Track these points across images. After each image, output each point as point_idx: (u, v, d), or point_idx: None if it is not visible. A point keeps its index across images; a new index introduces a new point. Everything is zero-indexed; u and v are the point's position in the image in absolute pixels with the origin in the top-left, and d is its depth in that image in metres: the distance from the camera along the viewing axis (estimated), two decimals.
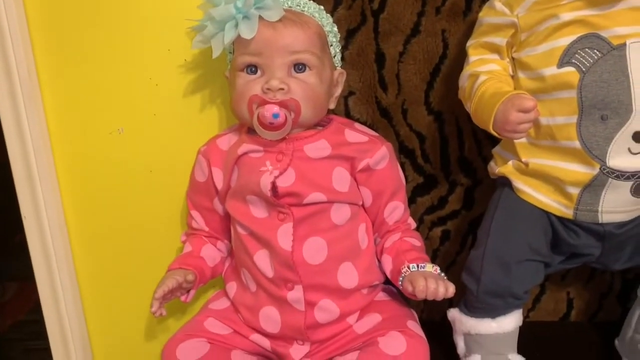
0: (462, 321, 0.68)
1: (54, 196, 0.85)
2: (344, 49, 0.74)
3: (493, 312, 0.66)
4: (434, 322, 0.78)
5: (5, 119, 0.83)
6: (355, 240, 0.70)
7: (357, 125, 0.73)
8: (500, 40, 0.66)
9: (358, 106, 0.78)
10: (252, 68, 0.65)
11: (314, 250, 0.67)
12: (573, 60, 0.60)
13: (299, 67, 0.65)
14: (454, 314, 0.69)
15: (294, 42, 0.64)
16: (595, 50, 0.59)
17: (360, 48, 0.76)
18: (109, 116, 0.83)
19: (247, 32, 0.63)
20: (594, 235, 0.65)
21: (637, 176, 0.61)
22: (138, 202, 0.84)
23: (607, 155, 0.60)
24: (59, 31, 0.80)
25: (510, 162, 0.68)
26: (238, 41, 0.65)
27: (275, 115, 0.63)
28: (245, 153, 0.68)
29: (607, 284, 0.82)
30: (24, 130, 0.82)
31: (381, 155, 0.70)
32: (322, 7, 0.68)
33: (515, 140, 0.66)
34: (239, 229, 0.70)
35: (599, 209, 0.63)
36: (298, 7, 0.67)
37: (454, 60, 0.75)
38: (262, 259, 0.68)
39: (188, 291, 0.72)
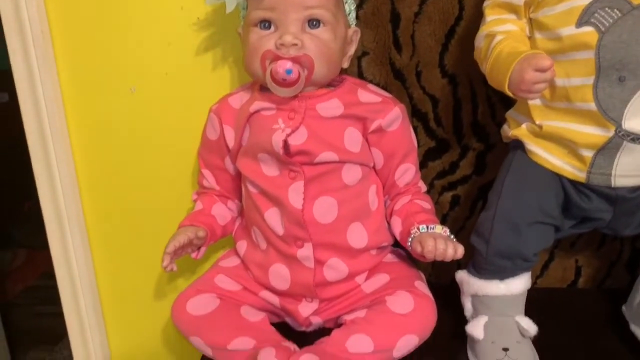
0: (470, 283, 0.68)
1: (66, 156, 0.86)
2: (358, 7, 0.73)
3: (501, 273, 0.66)
4: (442, 285, 0.78)
5: (18, 80, 0.83)
6: (365, 201, 0.70)
7: (370, 86, 0.73)
8: (518, 0, 0.65)
9: (371, 67, 0.78)
10: (266, 23, 0.65)
11: (325, 210, 0.68)
12: (592, 20, 0.59)
13: (313, 22, 0.64)
14: (462, 275, 0.70)
15: None
16: (616, 10, 0.58)
17: (375, 7, 0.75)
18: (121, 75, 0.83)
19: None
20: (606, 199, 0.65)
21: None
22: (150, 161, 0.85)
23: (624, 117, 0.60)
24: None
25: (523, 125, 0.67)
26: None
27: (289, 71, 0.62)
28: (257, 111, 0.68)
29: (617, 252, 0.82)
30: (37, 90, 0.83)
31: (394, 116, 0.69)
32: None
33: (530, 103, 0.65)
34: (250, 188, 0.70)
35: (613, 173, 0.62)
36: None
37: (469, 21, 0.74)
38: (273, 217, 0.68)
39: (199, 248, 0.73)
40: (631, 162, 0.61)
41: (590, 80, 0.60)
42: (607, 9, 0.58)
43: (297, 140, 0.66)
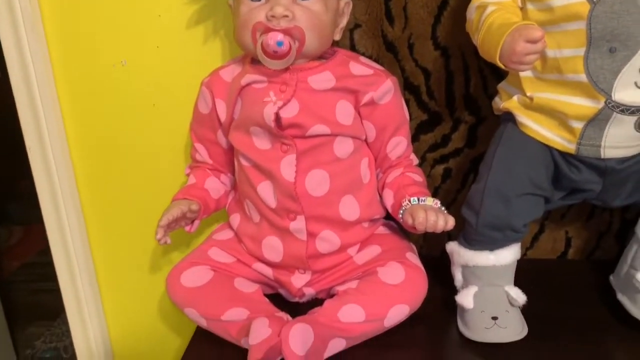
0: (460, 253, 0.69)
1: (57, 128, 0.86)
2: None
3: (491, 244, 0.67)
4: (433, 256, 0.80)
5: (8, 55, 0.83)
6: (357, 174, 0.71)
7: (362, 58, 0.73)
8: None
9: (364, 40, 0.77)
10: None
11: (317, 182, 0.68)
12: None
13: None
14: (452, 246, 0.71)
15: None
16: None
17: None
18: (112, 48, 0.82)
19: None
20: (595, 170, 0.65)
21: None
22: (142, 135, 0.85)
23: (613, 88, 0.60)
24: None
25: (515, 97, 0.67)
26: None
27: (279, 43, 0.62)
28: (249, 84, 0.68)
29: (606, 223, 0.83)
30: (27, 65, 0.82)
31: (386, 89, 0.69)
32: None
33: (521, 75, 0.65)
34: (243, 161, 0.71)
35: (602, 144, 0.63)
36: None
37: None
38: (265, 190, 0.69)
39: (192, 221, 0.73)
40: (620, 133, 0.62)
41: (581, 51, 0.60)
42: None
43: (289, 113, 0.66)
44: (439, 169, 0.82)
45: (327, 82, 0.67)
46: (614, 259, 0.74)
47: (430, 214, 0.65)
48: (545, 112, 0.65)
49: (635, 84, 0.60)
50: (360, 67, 0.70)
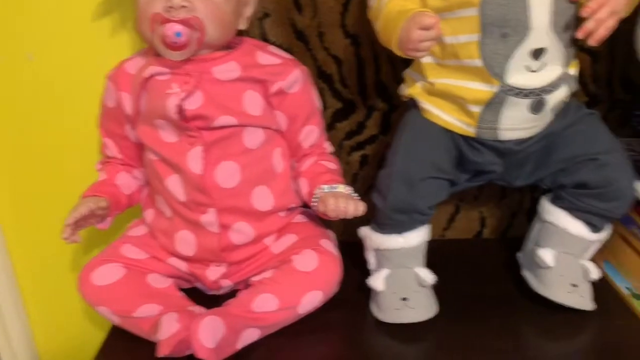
0: (372, 238, 0.71)
1: None
2: None
3: (399, 227, 0.69)
4: (355, 242, 0.81)
5: None
6: (269, 164, 0.71)
7: (270, 47, 0.72)
8: None
9: (274, 29, 0.77)
10: None
11: (227, 174, 0.68)
12: None
13: None
14: (364, 231, 0.72)
15: None
16: None
17: None
18: (17, 42, 0.79)
19: None
20: (495, 152, 0.68)
21: (535, 93, 0.63)
22: (53, 129, 0.82)
23: (506, 72, 0.62)
24: None
25: (418, 84, 0.69)
26: None
27: (178, 34, 0.61)
28: (152, 76, 0.67)
29: (518, 203, 0.86)
30: None
31: (294, 78, 0.70)
32: None
33: (423, 61, 0.67)
34: (150, 155, 0.70)
35: (499, 127, 0.65)
36: None
37: None
38: (174, 184, 0.68)
39: (104, 218, 0.72)
40: (515, 115, 0.64)
41: (476, 37, 0.62)
42: None
43: (193, 104, 0.65)
44: (356, 155, 0.84)
45: (232, 72, 0.67)
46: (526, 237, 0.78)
47: (340, 201, 0.66)
48: (446, 97, 0.66)
49: (527, 67, 0.62)
50: (268, 57, 0.70)
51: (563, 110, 0.68)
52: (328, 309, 0.70)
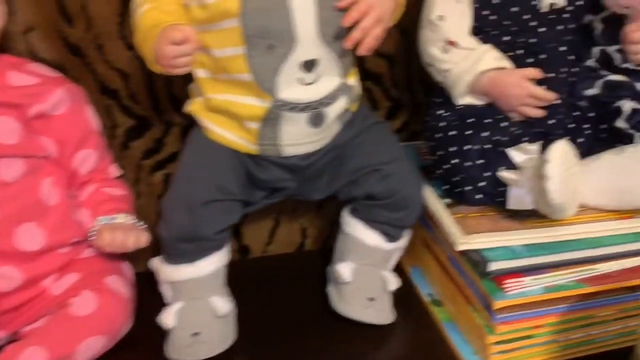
0: (162, 270, 0.65)
1: None
2: None
3: (188, 257, 0.63)
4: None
5: None
6: (36, 197, 0.63)
7: (30, 65, 0.64)
8: None
9: (43, 44, 0.69)
10: None
11: None
12: None
13: None
14: (155, 263, 0.66)
15: None
16: None
17: None
18: None
19: None
20: (283, 168, 0.64)
21: (311, 107, 0.60)
22: None
23: (277, 87, 0.58)
24: None
25: (198, 99, 0.64)
26: None
27: None
28: None
29: (336, 211, 0.84)
30: None
31: (57, 99, 0.62)
32: None
33: (199, 76, 0.62)
34: None
35: (280, 143, 0.62)
36: None
37: None
38: None
39: None
40: (294, 131, 0.61)
41: (241, 49, 0.58)
42: None
43: None
44: (158, 176, 0.77)
45: None
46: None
47: (118, 234, 0.60)
48: (224, 113, 0.62)
49: (301, 80, 0.59)
50: (22, 77, 0.61)
51: (350, 121, 0.66)
52: (117, 351, 0.64)
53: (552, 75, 0.64)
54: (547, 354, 0.64)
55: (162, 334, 0.65)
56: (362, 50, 0.58)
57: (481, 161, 0.61)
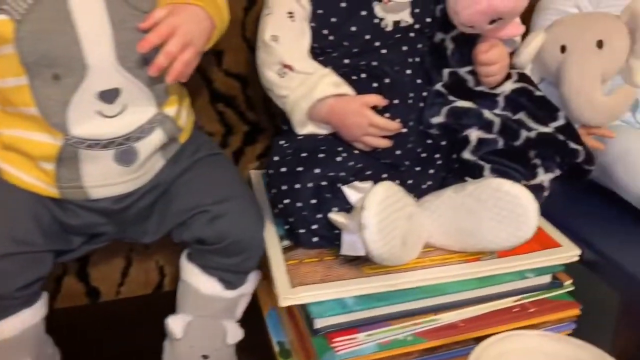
0: None
1: None
2: None
3: None
4: None
5: None
6: None
7: None
8: None
9: None
10: None
11: None
12: (4, 6, 0.48)
13: None
14: None
15: None
16: None
17: None
18: None
19: None
20: (95, 212, 0.56)
21: (117, 143, 0.52)
22: None
23: (69, 121, 0.50)
24: None
25: None
26: None
27: None
28: None
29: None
30: None
31: None
32: None
33: None
34: None
35: (84, 185, 0.53)
36: None
37: None
38: None
39: None
40: (99, 170, 0.53)
41: (23, 80, 0.50)
42: None
43: None
44: None
45: None
46: None
47: None
48: (17, 151, 0.53)
49: (100, 113, 0.51)
50: None
51: (176, 155, 0.58)
52: None
53: (397, 101, 0.58)
54: None
55: None
56: (170, 78, 0.50)
57: (314, 201, 0.54)
